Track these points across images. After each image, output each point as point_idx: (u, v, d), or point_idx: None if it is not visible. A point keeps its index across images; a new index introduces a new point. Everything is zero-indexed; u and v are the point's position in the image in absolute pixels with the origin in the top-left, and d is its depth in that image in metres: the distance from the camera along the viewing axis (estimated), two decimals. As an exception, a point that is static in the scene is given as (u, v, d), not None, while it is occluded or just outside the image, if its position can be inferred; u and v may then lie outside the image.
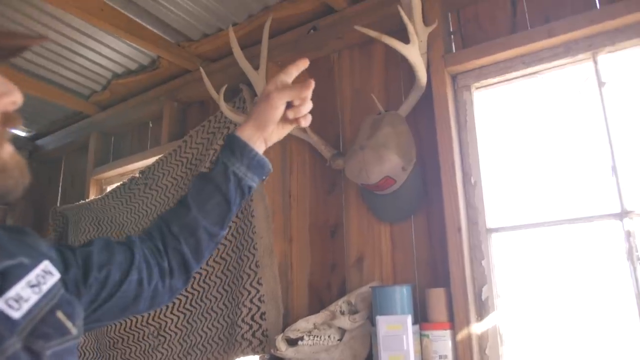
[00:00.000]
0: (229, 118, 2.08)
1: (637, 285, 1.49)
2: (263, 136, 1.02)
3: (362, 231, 2.02)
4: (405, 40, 1.75)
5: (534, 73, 1.78)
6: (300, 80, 1.00)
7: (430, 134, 1.89)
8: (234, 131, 1.02)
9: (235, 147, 1.00)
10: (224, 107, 2.02)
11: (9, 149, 0.67)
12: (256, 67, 2.15)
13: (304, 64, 1.02)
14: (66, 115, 3.31)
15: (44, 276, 0.69)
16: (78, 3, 2.06)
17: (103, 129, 3.10)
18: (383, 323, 1.63)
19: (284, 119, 1.01)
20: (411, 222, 1.92)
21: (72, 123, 3.29)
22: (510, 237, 1.73)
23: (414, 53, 1.72)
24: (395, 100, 2.04)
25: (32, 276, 0.66)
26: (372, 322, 1.75)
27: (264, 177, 1.06)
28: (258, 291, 2.02)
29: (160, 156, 2.53)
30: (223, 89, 2.00)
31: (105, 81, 2.90)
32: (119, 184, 2.67)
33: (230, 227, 2.20)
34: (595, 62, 1.68)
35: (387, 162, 1.79)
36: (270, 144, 1.05)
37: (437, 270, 1.82)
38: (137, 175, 2.59)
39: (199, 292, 2.23)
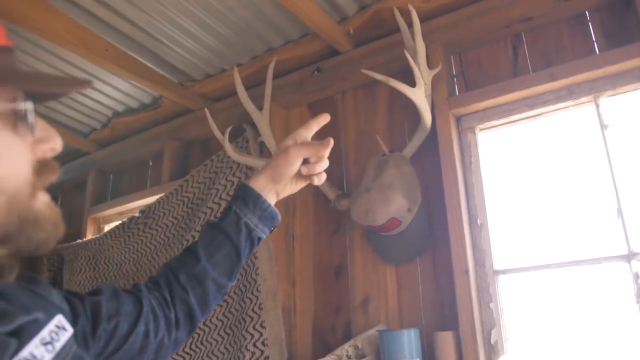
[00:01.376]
0: (234, 158, 2.08)
1: (647, 329, 1.49)
2: (276, 189, 1.02)
3: (368, 272, 2.01)
4: (409, 82, 1.77)
5: (538, 115, 1.80)
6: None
7: (435, 175, 1.90)
8: (247, 181, 1.02)
9: (248, 197, 0.99)
10: (228, 148, 2.02)
11: (44, 199, 0.64)
12: (259, 108, 2.16)
13: (325, 119, 1.02)
14: (64, 152, 3.27)
15: (57, 332, 0.65)
16: (83, 43, 2.08)
17: (102, 166, 3.09)
18: (392, 368, 1.60)
19: (298, 175, 1.01)
20: (417, 263, 1.91)
21: (70, 160, 3.27)
22: (518, 279, 1.73)
23: (419, 96, 1.75)
24: (399, 141, 2.06)
25: (45, 332, 0.63)
26: (379, 366, 1.73)
27: (272, 229, 1.05)
28: (261, 335, 1.99)
29: (161, 195, 2.52)
30: (228, 130, 2.01)
31: (105, 119, 2.91)
32: (117, 223, 2.64)
33: (232, 268, 2.18)
34: (597, 105, 1.71)
35: (393, 204, 1.79)
36: (281, 197, 1.05)
37: (445, 312, 1.80)
38: (137, 214, 2.57)
39: (199, 334, 2.19)
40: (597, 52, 1.76)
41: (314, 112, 2.35)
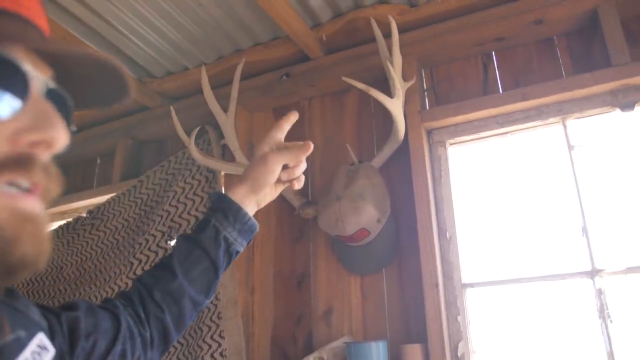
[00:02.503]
0: (198, 161, 1.99)
1: (609, 342, 1.54)
2: (256, 199, 0.98)
3: (331, 282, 1.97)
4: (382, 92, 1.76)
5: (507, 133, 1.84)
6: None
7: (403, 186, 1.90)
8: (227, 192, 0.97)
9: (228, 210, 0.94)
10: (194, 149, 1.94)
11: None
12: (223, 109, 2.09)
13: (294, 117, 1.01)
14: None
15: (40, 353, 0.60)
16: (39, 30, 1.94)
17: (42, 162, 2.88)
18: (362, 381, 1.58)
19: (277, 180, 0.97)
20: (383, 275, 1.90)
21: (6, 154, 3.03)
22: (485, 292, 1.75)
23: (397, 107, 1.74)
24: (366, 151, 2.05)
25: (27, 353, 0.58)
26: (346, 379, 1.69)
27: (249, 241, 1.00)
28: (220, 345, 1.91)
29: (112, 195, 2.38)
30: (195, 132, 1.92)
31: (50, 112, 2.72)
32: (62, 222, 2.47)
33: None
34: (565, 126, 1.77)
35: (365, 214, 1.77)
36: (262, 205, 1.01)
37: (410, 325, 1.80)
38: (84, 214, 2.41)
39: (150, 343, 2.07)
40: (564, 75, 1.83)
41: (279, 117, 2.28)
